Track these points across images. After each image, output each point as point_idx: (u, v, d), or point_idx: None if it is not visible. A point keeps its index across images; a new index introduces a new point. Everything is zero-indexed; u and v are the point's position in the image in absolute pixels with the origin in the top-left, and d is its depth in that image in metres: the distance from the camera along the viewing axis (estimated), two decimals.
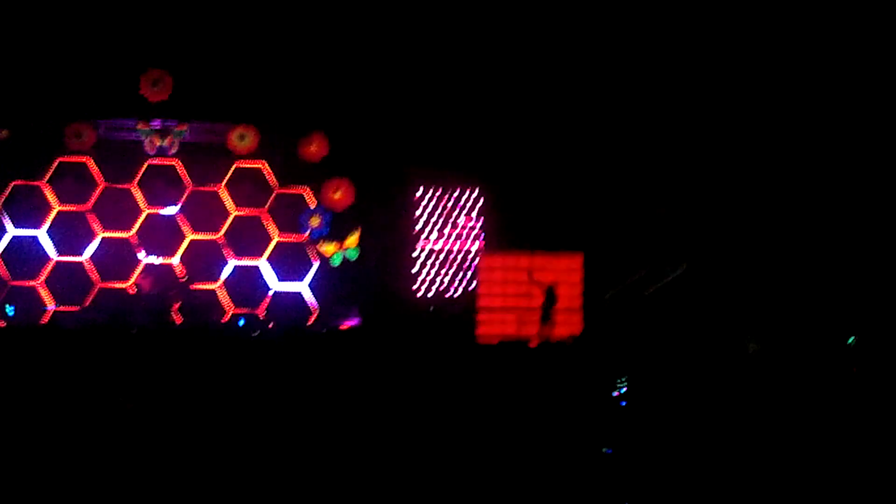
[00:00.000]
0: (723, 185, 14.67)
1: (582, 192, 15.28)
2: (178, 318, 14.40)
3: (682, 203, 14.94)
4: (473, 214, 15.88)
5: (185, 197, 15.29)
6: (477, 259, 15.58)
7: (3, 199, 14.77)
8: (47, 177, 14.98)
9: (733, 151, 14.59)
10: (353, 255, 15.21)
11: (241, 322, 14.57)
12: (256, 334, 13.06)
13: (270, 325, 14.40)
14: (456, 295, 15.58)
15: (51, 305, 14.59)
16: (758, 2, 14.12)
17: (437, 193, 15.76)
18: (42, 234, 14.86)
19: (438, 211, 15.74)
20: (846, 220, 13.94)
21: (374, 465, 6.37)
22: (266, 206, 15.47)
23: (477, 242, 15.82)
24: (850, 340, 9.77)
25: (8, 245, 14.76)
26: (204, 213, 15.30)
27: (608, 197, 15.23)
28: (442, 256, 15.68)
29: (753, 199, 14.50)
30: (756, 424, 7.12)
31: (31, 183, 14.93)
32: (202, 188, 15.37)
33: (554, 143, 15.29)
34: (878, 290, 12.95)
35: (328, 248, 15.25)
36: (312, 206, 15.42)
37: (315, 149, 15.21)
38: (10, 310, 14.29)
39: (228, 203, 15.38)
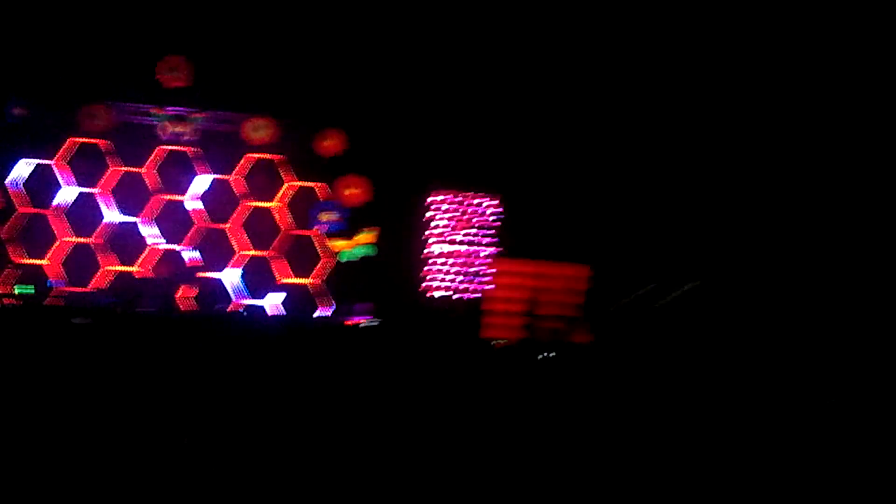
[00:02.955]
0: (736, 199, 14.61)
1: (595, 204, 15.25)
2: (183, 305, 14.38)
3: (694, 217, 14.89)
4: (487, 220, 15.83)
5: (195, 185, 15.27)
6: (488, 263, 15.54)
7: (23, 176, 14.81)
8: (60, 156, 14.97)
9: (750, 164, 14.52)
10: (365, 252, 15.15)
11: (245, 312, 14.55)
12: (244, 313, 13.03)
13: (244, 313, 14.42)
14: (464, 297, 15.53)
15: (58, 285, 14.56)
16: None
17: (453, 197, 15.72)
18: (52, 214, 14.86)
19: (453, 214, 15.69)
20: (864, 234, 13.81)
21: (371, 464, 6.31)
22: (279, 198, 15.45)
23: (489, 248, 15.77)
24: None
25: (20, 223, 14.78)
26: (216, 202, 15.29)
27: (620, 210, 15.20)
28: (454, 259, 15.62)
29: (768, 214, 14.42)
30: (763, 440, 7.04)
31: (44, 161, 14.92)
32: (216, 176, 15.35)
33: (571, 156, 15.29)
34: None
35: (339, 244, 15.22)
36: (326, 201, 15.38)
37: (331, 144, 15.19)
38: (27, 288, 14.29)
39: (241, 193, 15.37)
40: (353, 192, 15.19)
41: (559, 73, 15.10)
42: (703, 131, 14.80)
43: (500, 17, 14.57)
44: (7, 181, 14.70)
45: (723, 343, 11.31)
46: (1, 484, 5.35)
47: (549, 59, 14.95)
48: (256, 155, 15.52)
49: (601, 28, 14.66)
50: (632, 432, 7.30)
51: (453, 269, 15.54)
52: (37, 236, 14.75)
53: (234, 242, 15.24)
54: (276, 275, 15.27)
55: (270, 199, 15.46)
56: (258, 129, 15.14)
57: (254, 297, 15.07)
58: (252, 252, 15.26)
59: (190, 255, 14.94)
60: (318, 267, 15.42)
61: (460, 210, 15.61)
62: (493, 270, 15.23)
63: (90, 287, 14.63)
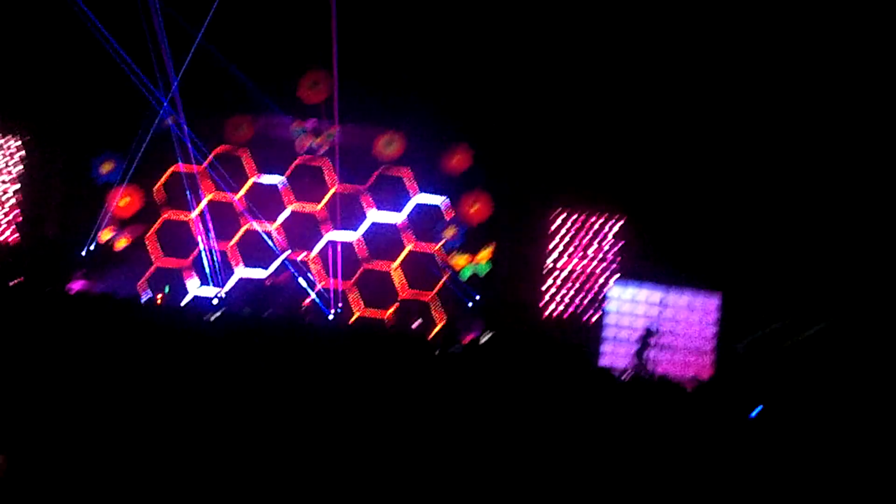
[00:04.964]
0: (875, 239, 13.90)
1: (726, 227, 14.79)
2: (308, 313, 14.84)
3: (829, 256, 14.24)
4: (610, 241, 15.61)
5: (328, 196, 15.74)
6: (609, 287, 15.32)
7: (161, 184, 15.65)
8: (205, 164, 15.76)
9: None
10: (483, 269, 15.24)
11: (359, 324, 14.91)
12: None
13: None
14: (583, 320, 15.35)
15: (194, 288, 15.32)
16: None
17: (577, 217, 15.60)
18: (192, 219, 15.64)
19: (575, 234, 15.57)
20: None
21: (479, 484, 6.32)
22: (404, 213, 15.75)
23: (611, 270, 15.54)
24: None
25: (160, 226, 15.63)
26: (344, 214, 15.72)
27: (753, 240, 14.68)
28: (573, 280, 15.48)
29: None
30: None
31: (188, 168, 15.74)
32: (346, 189, 15.79)
33: (704, 177, 14.89)
34: None
35: (459, 261, 15.35)
36: (449, 218, 15.56)
37: (457, 160, 15.39)
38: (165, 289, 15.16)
39: (368, 206, 15.75)
40: (476, 208, 15.30)
41: (694, 90, 14.77)
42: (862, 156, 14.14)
43: (626, 36, 14.40)
44: (155, 188, 15.59)
45: (848, 391, 10.77)
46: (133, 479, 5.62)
47: (684, 76, 14.65)
48: (387, 170, 15.85)
49: (741, 43, 14.27)
50: (750, 476, 7.04)
51: (573, 291, 15.40)
52: (177, 240, 15.56)
53: (359, 254, 15.61)
54: (397, 288, 15.54)
55: (396, 214, 15.76)
56: (388, 144, 15.50)
57: (375, 309, 15.39)
58: (374, 266, 15.59)
59: (315, 265, 15.41)
60: (437, 282, 15.59)
61: (583, 229, 15.47)
62: (615, 294, 15.00)
63: (225, 290, 15.30)
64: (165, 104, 14.95)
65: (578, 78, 14.74)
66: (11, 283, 14.15)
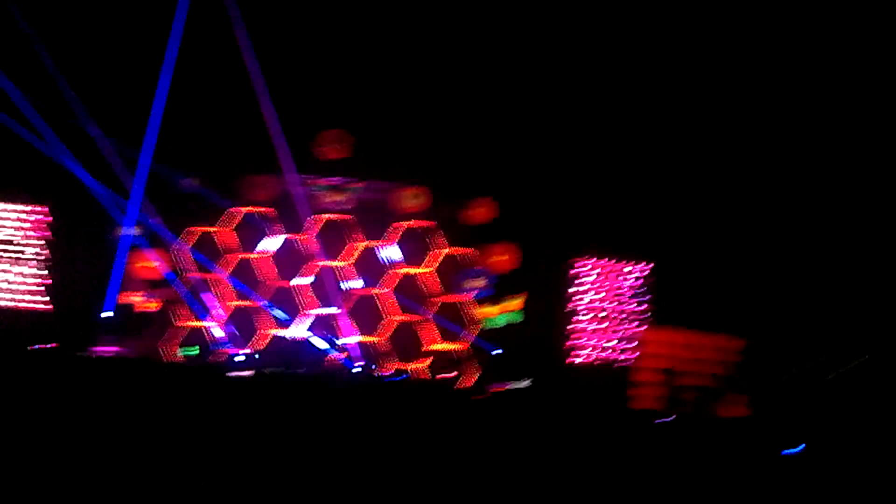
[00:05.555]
0: None
1: (752, 274, 14.70)
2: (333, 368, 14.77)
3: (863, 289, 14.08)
4: (639, 286, 15.52)
5: (357, 253, 15.77)
6: (639, 331, 15.18)
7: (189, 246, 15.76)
8: (230, 224, 15.83)
9: None
10: (511, 318, 15.13)
11: (401, 377, 14.78)
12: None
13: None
14: (614, 364, 15.18)
15: (219, 347, 15.30)
16: None
17: (604, 262, 15.53)
18: (218, 279, 15.67)
19: (603, 280, 15.48)
20: None
21: None
22: (432, 266, 15.69)
23: (639, 315, 15.41)
24: None
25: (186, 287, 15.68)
26: (371, 268, 15.71)
27: (781, 282, 14.57)
28: (602, 325, 15.35)
29: None
30: None
31: (210, 229, 15.79)
32: (372, 243, 15.82)
33: (729, 224, 14.87)
34: None
35: (490, 311, 15.25)
36: (476, 268, 15.49)
37: (481, 211, 15.40)
38: (192, 350, 15.13)
39: (391, 260, 15.73)
40: (502, 258, 15.27)
41: (715, 138, 14.83)
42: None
43: (646, 82, 14.54)
44: (174, 247, 15.68)
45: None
46: None
47: (704, 123, 14.72)
48: (413, 224, 15.87)
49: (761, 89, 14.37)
50: None
51: (601, 336, 15.26)
52: (200, 300, 15.59)
53: (389, 308, 15.55)
54: (423, 341, 15.41)
55: (420, 266, 15.71)
56: (410, 198, 15.56)
57: (407, 362, 15.28)
58: (400, 317, 15.51)
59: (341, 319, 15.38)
60: (464, 333, 15.46)
61: (610, 275, 15.38)
62: (643, 338, 14.86)
63: (249, 348, 15.25)
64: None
65: (597, 122, 14.84)
66: (43, 347, 14.28)
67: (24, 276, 15.62)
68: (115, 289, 15.16)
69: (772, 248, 14.82)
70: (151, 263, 15.58)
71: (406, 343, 15.46)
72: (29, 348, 13.55)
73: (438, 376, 14.92)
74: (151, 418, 8.47)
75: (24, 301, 15.37)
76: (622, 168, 15.07)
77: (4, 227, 15.54)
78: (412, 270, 15.72)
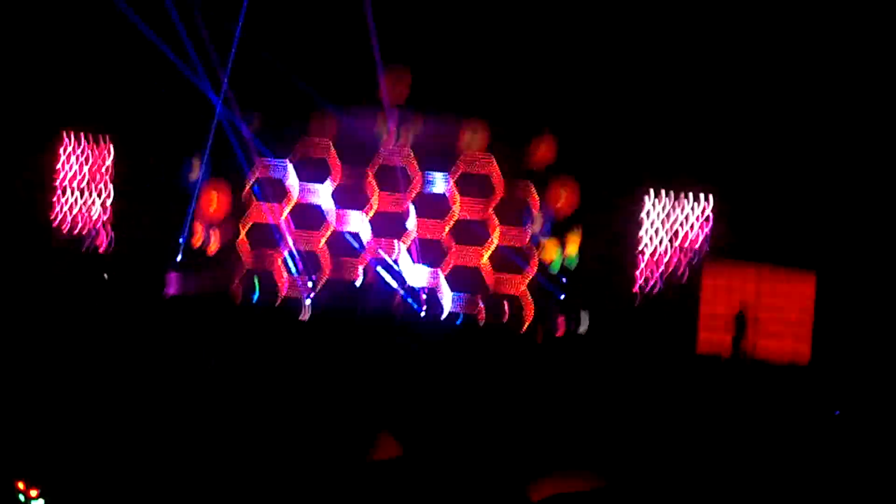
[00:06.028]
0: None
1: (821, 205, 14.31)
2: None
3: None
4: (702, 221, 15.24)
5: (413, 192, 15.75)
6: (702, 268, 14.96)
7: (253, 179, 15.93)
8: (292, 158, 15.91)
9: None
10: (572, 262, 15.04)
11: (459, 321, 14.92)
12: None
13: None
14: (676, 302, 15.01)
15: (284, 288, 15.56)
16: None
17: (666, 198, 15.28)
18: (282, 220, 15.84)
19: (665, 216, 15.25)
20: None
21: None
22: (490, 206, 15.65)
23: (703, 251, 15.17)
24: None
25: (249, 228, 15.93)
26: (430, 208, 15.68)
27: (849, 213, 14.17)
28: (665, 263, 15.17)
29: None
30: None
31: (278, 161, 15.88)
32: (430, 184, 15.75)
33: (795, 153, 14.44)
34: None
35: (549, 253, 15.16)
36: (536, 209, 15.38)
37: (542, 150, 15.22)
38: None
39: (454, 201, 15.69)
40: (563, 196, 15.11)
41: (783, 63, 14.34)
42: None
43: (704, 17, 14.13)
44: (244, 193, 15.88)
45: None
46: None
47: (774, 50, 14.25)
48: (471, 161, 15.75)
49: (827, 23, 13.84)
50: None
51: (665, 273, 15.08)
52: (266, 239, 15.83)
53: (448, 251, 15.59)
54: (486, 282, 15.48)
55: (481, 206, 15.65)
56: (473, 135, 15.42)
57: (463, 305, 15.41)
58: (463, 259, 15.54)
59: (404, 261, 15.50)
60: (525, 274, 15.44)
61: (673, 208, 15.15)
62: (708, 275, 14.63)
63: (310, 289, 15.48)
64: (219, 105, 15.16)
65: (663, 55, 14.49)
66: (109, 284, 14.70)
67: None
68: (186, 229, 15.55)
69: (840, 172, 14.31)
70: (214, 203, 15.82)
71: (467, 285, 15.48)
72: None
73: (502, 319, 14.96)
74: (224, 358, 8.73)
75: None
76: (683, 101, 14.67)
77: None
78: (470, 210, 15.66)
